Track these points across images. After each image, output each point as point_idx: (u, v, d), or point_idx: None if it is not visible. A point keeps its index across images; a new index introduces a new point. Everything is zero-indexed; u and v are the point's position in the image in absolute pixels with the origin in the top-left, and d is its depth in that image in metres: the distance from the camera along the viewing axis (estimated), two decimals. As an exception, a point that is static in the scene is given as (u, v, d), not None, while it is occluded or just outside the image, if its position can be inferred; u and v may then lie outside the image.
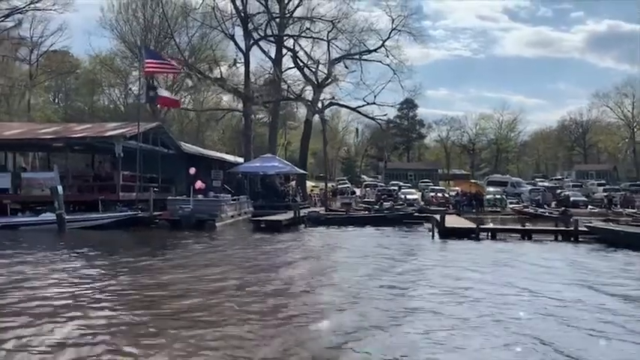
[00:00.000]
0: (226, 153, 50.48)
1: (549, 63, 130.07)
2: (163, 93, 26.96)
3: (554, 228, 20.38)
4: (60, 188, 22.09)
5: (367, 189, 51.38)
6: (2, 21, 43.00)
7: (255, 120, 58.93)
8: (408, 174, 79.14)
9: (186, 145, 35.20)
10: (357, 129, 76.64)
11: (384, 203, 36.07)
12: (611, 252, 16.39)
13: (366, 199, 42.60)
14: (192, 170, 25.83)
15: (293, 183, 40.36)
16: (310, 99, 42.42)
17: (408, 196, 41.80)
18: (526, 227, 20.38)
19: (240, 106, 40.31)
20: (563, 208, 33.71)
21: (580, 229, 18.64)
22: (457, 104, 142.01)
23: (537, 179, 70.70)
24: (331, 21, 39.04)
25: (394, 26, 43.61)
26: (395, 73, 44.26)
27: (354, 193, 48.02)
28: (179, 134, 48.23)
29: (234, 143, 67.36)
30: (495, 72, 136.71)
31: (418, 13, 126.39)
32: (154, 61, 25.12)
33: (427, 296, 9.64)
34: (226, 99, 49.85)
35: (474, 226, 20.28)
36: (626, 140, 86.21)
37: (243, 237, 20.74)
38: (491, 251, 16.83)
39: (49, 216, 22.62)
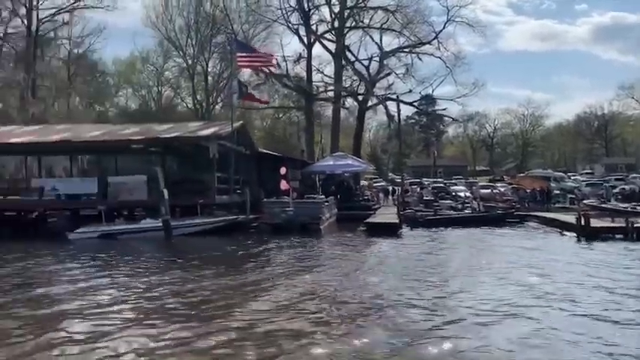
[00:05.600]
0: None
1: (554, 56, 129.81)
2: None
3: None
4: (166, 192, 20.72)
5: (413, 187, 50.07)
6: (49, 20, 41.57)
7: (289, 119, 57.79)
8: (437, 171, 77.89)
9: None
10: (414, 126, 74.90)
11: (443, 201, 34.96)
12: None
13: (425, 198, 41.33)
14: (283, 170, 24.57)
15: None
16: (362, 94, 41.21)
17: (460, 194, 40.47)
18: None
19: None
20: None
21: None
22: (463, 99, 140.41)
23: (569, 174, 69.37)
24: (392, 11, 37.77)
25: (449, 17, 42.50)
26: (448, 67, 43.23)
27: (407, 191, 46.63)
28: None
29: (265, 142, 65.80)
30: (499, 66, 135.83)
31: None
32: (246, 54, 23.69)
33: None
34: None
35: (622, 224, 19.00)
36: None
37: (367, 242, 19.33)
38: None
39: (151, 222, 21.28)
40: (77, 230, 20.65)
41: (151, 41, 52.21)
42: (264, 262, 14.56)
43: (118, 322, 7.95)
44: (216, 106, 50.73)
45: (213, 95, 49.38)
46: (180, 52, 49.04)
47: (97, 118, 52.60)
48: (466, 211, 29.35)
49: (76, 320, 8.11)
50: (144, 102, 58.59)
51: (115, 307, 8.97)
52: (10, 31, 43.21)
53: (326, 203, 25.52)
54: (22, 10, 42.17)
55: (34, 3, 41.65)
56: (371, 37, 38.38)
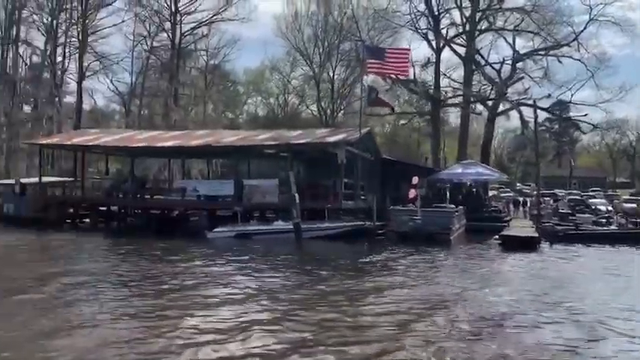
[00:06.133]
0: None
1: None
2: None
3: None
4: (297, 196, 21.22)
5: (546, 199, 46.69)
6: (190, 34, 45.01)
7: (411, 125, 56.73)
8: (572, 182, 72.11)
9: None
10: (545, 133, 70.78)
11: (580, 215, 31.96)
12: None
13: (560, 211, 38.32)
14: (415, 180, 24.02)
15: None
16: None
17: (600, 207, 36.80)
18: None
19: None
20: None
21: None
22: (606, 104, 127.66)
23: None
24: (528, 11, 35.56)
25: (591, 16, 39.12)
26: (589, 70, 39.79)
27: (539, 203, 43.53)
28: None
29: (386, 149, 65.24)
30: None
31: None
32: (376, 60, 23.50)
33: None
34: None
35: None
36: None
37: (508, 256, 18.13)
38: None
39: (282, 224, 21.91)
40: (215, 229, 21.84)
41: (279, 51, 54.42)
42: (414, 275, 13.57)
43: (302, 336, 7.69)
44: (339, 113, 51.47)
45: (337, 102, 50.17)
46: (307, 61, 50.52)
47: (228, 125, 55.85)
48: (612, 227, 26.63)
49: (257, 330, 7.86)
50: (271, 109, 61.08)
51: (293, 321, 8.59)
52: (155, 44, 47.55)
53: (456, 213, 24.55)
54: (167, 25, 46.15)
55: (178, 18, 45.33)
56: (505, 39, 36.50)
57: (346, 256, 16.90)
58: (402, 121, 51.31)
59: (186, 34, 46.37)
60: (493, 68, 40.15)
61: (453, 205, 25.43)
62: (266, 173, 34.37)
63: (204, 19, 46.04)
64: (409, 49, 24.86)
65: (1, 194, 32.50)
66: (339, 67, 49.32)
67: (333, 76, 49.60)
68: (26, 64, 45.49)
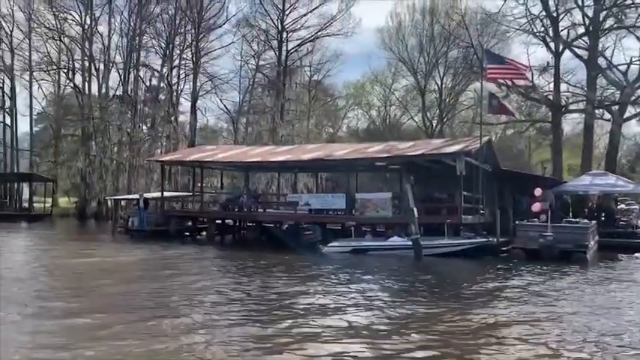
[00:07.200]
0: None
1: None
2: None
3: None
4: (415, 211, 20.28)
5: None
6: (295, 51, 45.94)
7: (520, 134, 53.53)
8: None
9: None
10: None
11: None
12: None
13: None
14: (538, 192, 22.25)
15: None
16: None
17: None
18: None
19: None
20: None
21: None
22: None
23: None
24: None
25: None
26: None
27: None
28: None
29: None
30: None
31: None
32: (497, 66, 22.17)
33: None
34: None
35: None
36: None
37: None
38: None
39: (399, 240, 21.09)
40: (330, 244, 21.44)
41: (380, 63, 53.89)
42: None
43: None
44: (446, 123, 49.78)
45: (445, 112, 48.64)
46: (411, 71, 49.57)
47: (329, 139, 56.00)
48: None
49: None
50: (372, 122, 60.58)
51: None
52: (261, 63, 49.18)
53: (591, 229, 22.39)
54: (274, 44, 47.49)
55: (284, 36, 46.48)
56: (638, 37, 33.06)
57: (485, 279, 15.44)
58: (511, 130, 48.53)
59: (292, 51, 47.35)
60: (619, 70, 36.65)
61: (586, 220, 23.28)
62: (373, 186, 33.80)
63: (309, 36, 46.83)
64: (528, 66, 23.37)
65: (124, 208, 34.72)
66: (446, 75, 47.84)
67: (441, 84, 48.19)
68: (146, 87, 48.69)
